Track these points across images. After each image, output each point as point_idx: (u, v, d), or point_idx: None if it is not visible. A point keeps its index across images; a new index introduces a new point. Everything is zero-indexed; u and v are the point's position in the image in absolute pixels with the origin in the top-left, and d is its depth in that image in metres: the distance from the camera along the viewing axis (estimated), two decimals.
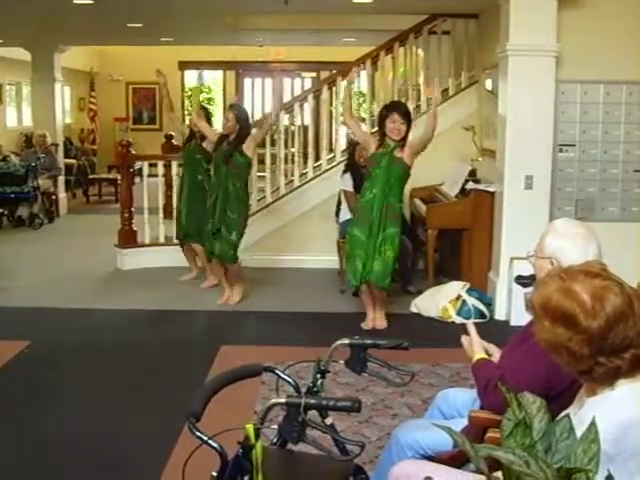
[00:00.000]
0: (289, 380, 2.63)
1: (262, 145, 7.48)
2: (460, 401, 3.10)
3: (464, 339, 2.87)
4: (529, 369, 2.51)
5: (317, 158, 8.74)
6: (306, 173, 8.49)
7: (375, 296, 6.14)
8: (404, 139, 5.86)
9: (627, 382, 1.83)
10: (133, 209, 8.21)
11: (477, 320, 6.10)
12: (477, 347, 2.80)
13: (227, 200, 6.60)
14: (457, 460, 2.61)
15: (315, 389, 2.64)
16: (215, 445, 2.16)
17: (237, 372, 2.55)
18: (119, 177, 9.40)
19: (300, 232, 8.16)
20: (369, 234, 5.87)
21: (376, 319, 6.16)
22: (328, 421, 2.56)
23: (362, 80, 8.91)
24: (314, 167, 8.48)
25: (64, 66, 12.58)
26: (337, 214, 7.56)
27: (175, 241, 8.19)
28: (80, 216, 12.32)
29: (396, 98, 8.58)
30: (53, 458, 3.88)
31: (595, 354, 1.79)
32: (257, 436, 2.13)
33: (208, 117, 7.44)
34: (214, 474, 2.24)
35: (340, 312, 6.58)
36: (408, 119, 5.87)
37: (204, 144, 7.30)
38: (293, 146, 8.61)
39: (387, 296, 6.26)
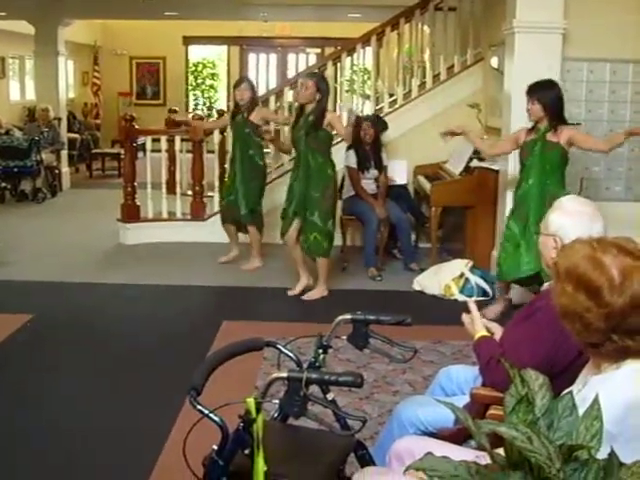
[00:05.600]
0: (291, 355, 2.64)
1: (266, 122, 7.41)
2: (462, 378, 3.10)
3: (465, 317, 2.86)
4: (531, 346, 2.51)
5: None
6: None
7: None
8: (555, 120, 5.39)
9: (633, 362, 1.82)
10: (136, 184, 8.19)
11: (480, 298, 6.10)
12: (478, 325, 2.79)
13: (309, 177, 6.15)
14: (459, 437, 2.62)
15: (317, 364, 2.65)
16: (216, 419, 2.16)
17: (238, 346, 2.55)
18: (122, 152, 9.37)
19: None
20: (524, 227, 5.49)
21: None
22: (330, 396, 2.57)
23: (367, 56, 8.84)
24: None
25: (68, 40, 12.54)
26: (340, 190, 7.53)
27: (179, 216, 8.19)
28: (83, 190, 12.31)
29: (401, 75, 8.56)
30: (50, 433, 3.88)
31: (610, 330, 1.77)
32: (258, 410, 2.12)
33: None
34: (215, 448, 2.25)
35: (342, 289, 6.57)
36: (540, 96, 5.36)
37: (251, 117, 6.99)
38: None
39: None
